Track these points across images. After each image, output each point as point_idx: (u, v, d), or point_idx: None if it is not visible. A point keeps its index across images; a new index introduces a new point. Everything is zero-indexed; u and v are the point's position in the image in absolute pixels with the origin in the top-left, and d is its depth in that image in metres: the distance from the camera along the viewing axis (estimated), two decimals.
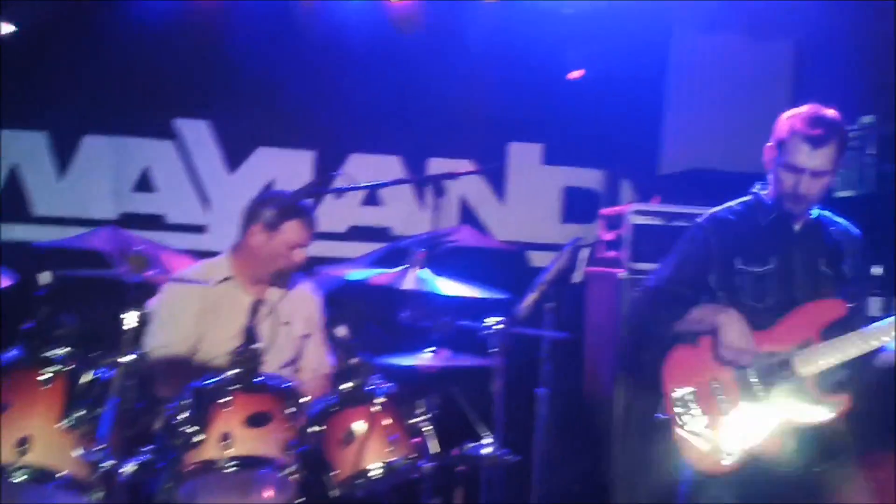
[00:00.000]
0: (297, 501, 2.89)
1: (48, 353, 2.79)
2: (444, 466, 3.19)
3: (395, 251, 3.74)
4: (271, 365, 3.42)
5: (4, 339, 2.91)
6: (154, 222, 4.90)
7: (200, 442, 2.81)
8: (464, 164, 4.69)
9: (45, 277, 2.81)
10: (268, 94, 4.90)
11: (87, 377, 2.77)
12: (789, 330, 2.93)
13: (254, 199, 3.61)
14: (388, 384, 3.10)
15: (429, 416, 3.14)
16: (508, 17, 5.13)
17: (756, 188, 3.14)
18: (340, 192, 3.52)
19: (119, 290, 2.87)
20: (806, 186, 2.95)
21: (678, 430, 2.97)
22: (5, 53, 4.54)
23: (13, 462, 2.63)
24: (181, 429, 2.82)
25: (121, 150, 4.87)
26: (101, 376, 2.79)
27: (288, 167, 4.95)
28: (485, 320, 3.31)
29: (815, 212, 3.09)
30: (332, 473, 2.98)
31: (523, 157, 5.41)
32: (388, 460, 2.98)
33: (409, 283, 3.16)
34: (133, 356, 2.76)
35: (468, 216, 5.30)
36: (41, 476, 2.66)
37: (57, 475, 2.67)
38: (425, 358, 3.27)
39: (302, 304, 3.67)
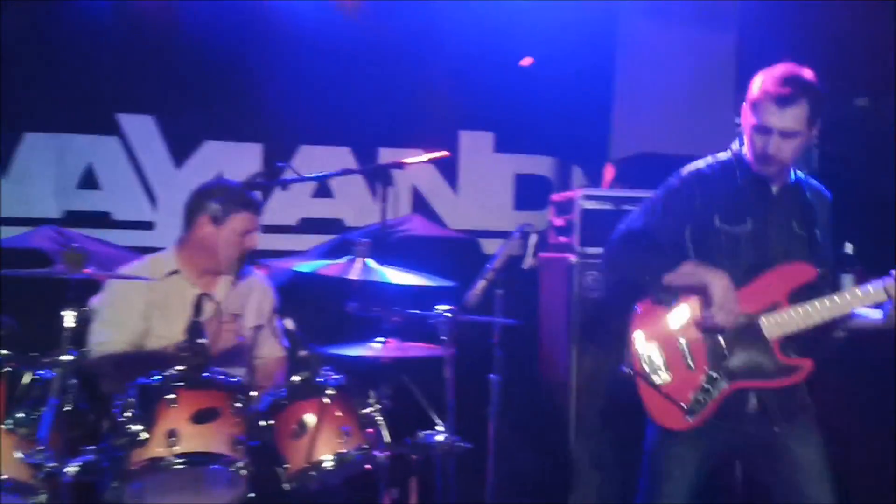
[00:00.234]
0: (248, 496, 2.86)
1: None
2: (398, 456, 3.17)
3: (346, 242, 3.72)
4: (225, 359, 3.40)
5: None
6: (99, 220, 4.81)
7: (146, 440, 2.76)
8: (415, 154, 4.66)
9: None
10: (214, 86, 4.84)
11: (27, 378, 2.72)
12: (758, 292, 2.93)
13: (197, 190, 3.56)
14: (339, 375, 3.08)
15: (380, 406, 3.13)
16: (457, 5, 5.12)
17: (735, 146, 3.07)
18: (286, 183, 3.48)
19: (60, 289, 2.81)
20: (775, 147, 2.89)
21: (642, 386, 2.98)
22: None
23: None
24: (126, 427, 2.77)
25: (63, 147, 4.77)
26: (42, 377, 2.73)
27: (236, 161, 4.87)
28: (435, 309, 3.30)
29: (793, 175, 3.05)
30: (283, 467, 2.97)
31: (474, 145, 5.41)
32: (340, 452, 2.98)
33: (355, 274, 3.14)
34: (73, 355, 2.71)
35: (421, 205, 5.29)
36: None
37: None
38: (376, 348, 3.25)
39: (253, 296, 3.63)
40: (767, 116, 2.89)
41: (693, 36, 5.44)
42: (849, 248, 3.74)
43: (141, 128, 4.88)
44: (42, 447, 2.62)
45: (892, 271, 2.88)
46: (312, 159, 4.92)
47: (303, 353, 3.00)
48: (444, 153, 3.78)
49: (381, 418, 3.10)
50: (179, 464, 2.77)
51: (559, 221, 4.63)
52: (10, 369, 2.73)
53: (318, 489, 2.97)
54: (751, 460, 3.05)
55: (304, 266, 3.32)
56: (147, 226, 4.89)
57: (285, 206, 4.94)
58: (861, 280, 3.08)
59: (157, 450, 2.76)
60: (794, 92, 2.88)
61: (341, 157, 5.05)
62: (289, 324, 3.02)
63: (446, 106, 5.19)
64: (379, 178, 4.04)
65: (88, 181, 4.83)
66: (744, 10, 5.45)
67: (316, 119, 4.90)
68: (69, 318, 2.73)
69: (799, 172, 3.10)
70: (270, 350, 3.62)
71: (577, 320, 4.29)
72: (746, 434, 2.96)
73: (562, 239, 4.57)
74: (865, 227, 4.02)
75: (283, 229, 4.96)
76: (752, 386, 2.94)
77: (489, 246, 5.22)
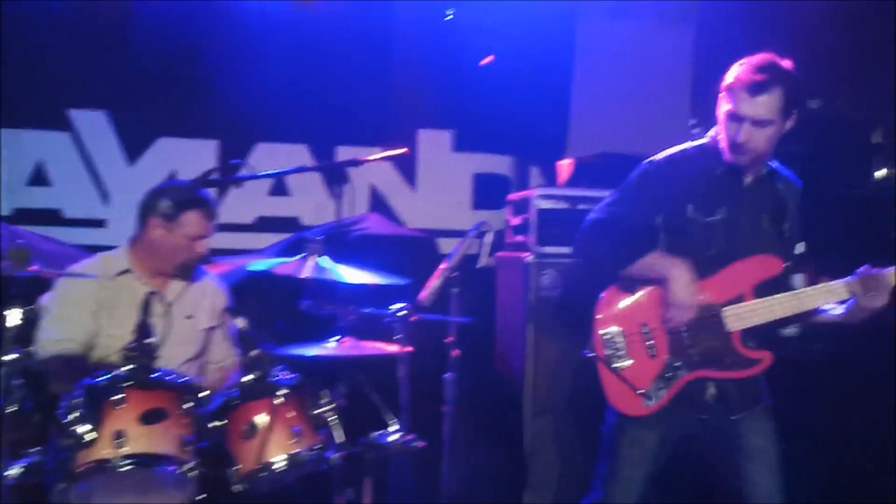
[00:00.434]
0: (198, 498, 2.82)
1: None
2: (352, 456, 3.15)
3: (301, 241, 3.68)
4: (175, 360, 3.36)
5: None
6: (50, 217, 4.73)
7: (93, 441, 2.71)
8: (373, 152, 4.63)
9: None
10: (169, 82, 4.78)
11: None
12: (723, 283, 2.95)
13: (151, 191, 3.51)
14: (292, 375, 3.05)
15: (334, 405, 3.10)
16: (417, 4, 5.11)
17: (712, 132, 3.05)
18: (241, 180, 3.44)
19: (5, 287, 2.75)
20: (746, 135, 2.87)
21: (603, 370, 2.99)
22: None
23: None
24: (72, 428, 2.72)
25: (13, 143, 4.67)
26: None
27: (190, 158, 4.82)
28: (389, 307, 3.28)
29: (766, 167, 3.03)
30: (234, 468, 2.92)
31: (433, 143, 5.40)
32: (292, 452, 2.94)
33: (308, 272, 3.11)
34: (18, 355, 2.65)
35: (379, 204, 5.27)
36: None
37: None
38: (330, 347, 3.22)
39: (206, 297, 3.59)
40: (740, 104, 2.87)
41: (651, 36, 5.48)
42: (801, 247, 3.80)
43: (93, 123, 4.81)
44: None
45: (858, 270, 2.90)
46: (269, 157, 4.88)
47: (255, 352, 2.96)
48: (402, 151, 3.76)
49: (335, 418, 3.07)
50: (127, 465, 2.71)
51: (516, 220, 4.64)
52: None
53: (270, 491, 2.94)
54: (706, 446, 3.07)
55: (258, 265, 3.28)
56: (99, 224, 4.82)
57: (241, 204, 4.90)
58: (812, 280, 3.11)
59: (104, 451, 2.71)
60: (768, 79, 2.85)
61: (298, 154, 5.02)
62: (241, 323, 2.98)
63: (405, 104, 5.18)
64: (335, 176, 4.01)
65: (39, 178, 4.75)
66: (702, 11, 5.50)
67: (273, 116, 4.84)
68: (13, 317, 2.67)
69: (773, 163, 3.09)
70: (223, 352, 3.58)
71: (533, 319, 4.30)
72: (703, 421, 3.00)
73: (518, 238, 4.58)
74: (817, 227, 4.09)
75: (239, 228, 4.92)
76: (711, 376, 2.96)
77: (447, 245, 5.22)
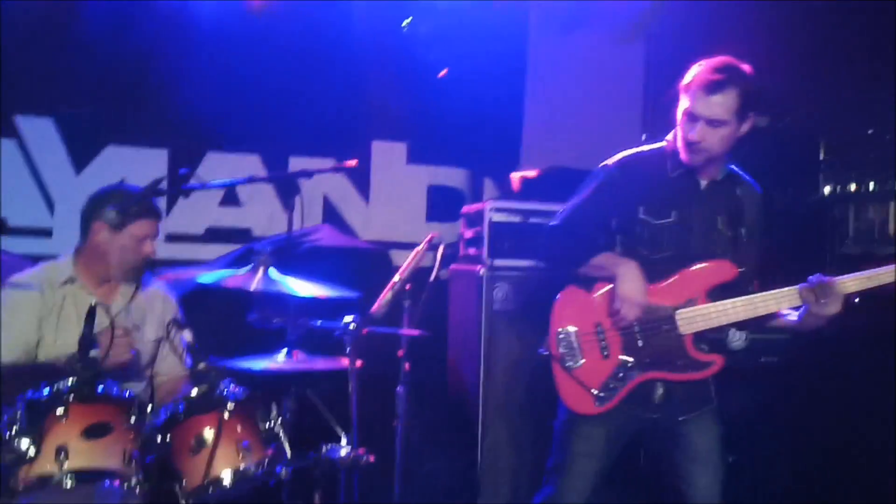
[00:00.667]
0: None
1: None
2: (301, 470, 3.12)
3: (251, 252, 3.64)
4: (121, 372, 3.29)
5: None
6: None
7: (34, 456, 2.65)
8: (326, 163, 4.61)
9: None
10: (118, 89, 4.70)
11: None
12: (677, 287, 2.97)
13: (94, 195, 3.44)
14: (240, 389, 3.01)
15: (283, 419, 3.06)
16: (370, 13, 5.10)
17: (670, 135, 3.06)
18: (190, 190, 3.39)
19: None
20: (701, 135, 2.87)
21: (556, 369, 3.02)
22: None
23: None
24: (13, 443, 2.65)
25: None
26: None
27: (139, 166, 4.72)
28: (340, 320, 3.25)
29: (723, 171, 3.05)
30: (180, 483, 2.87)
31: (387, 155, 5.39)
32: (240, 467, 2.90)
33: (255, 284, 3.07)
34: None
35: (332, 215, 5.24)
36: None
37: None
38: (279, 360, 3.19)
39: (154, 307, 3.53)
40: (695, 102, 2.88)
41: (603, 50, 5.54)
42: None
43: (40, 130, 4.71)
44: None
45: (811, 278, 2.92)
46: (220, 166, 4.83)
47: (202, 365, 2.91)
48: (353, 162, 3.74)
49: (284, 432, 3.04)
50: (70, 481, 2.65)
51: (469, 233, 4.65)
52: None
53: None
54: (652, 445, 3.12)
55: (206, 277, 3.24)
56: (44, 233, 4.71)
57: (191, 214, 4.83)
58: (761, 287, 3.15)
59: (46, 466, 2.65)
60: (724, 79, 2.86)
61: (250, 164, 4.97)
62: (187, 336, 2.93)
63: (359, 115, 5.17)
64: (287, 186, 3.98)
65: None
66: (653, 26, 5.58)
67: (224, 125, 4.78)
68: None
69: (733, 167, 3.10)
70: (171, 364, 3.52)
71: (485, 331, 4.30)
72: (651, 420, 3.04)
73: (471, 251, 4.59)
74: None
75: (188, 238, 4.86)
76: (662, 377, 3.00)
77: (400, 257, 5.19)
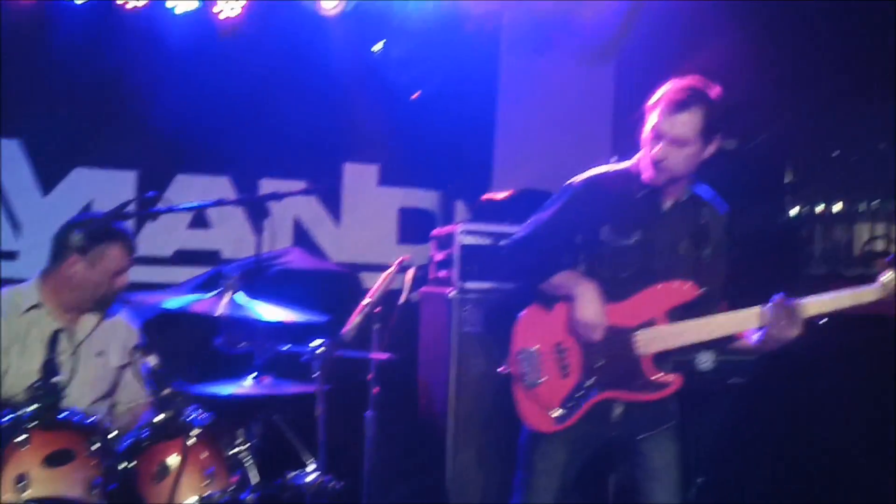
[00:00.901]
0: None
1: None
2: (268, 497, 3.08)
3: (219, 275, 3.61)
4: (84, 399, 3.25)
5: None
6: None
7: None
8: (297, 185, 4.60)
9: None
10: (86, 110, 4.68)
11: None
12: (637, 307, 2.97)
13: (66, 224, 3.40)
14: (205, 414, 2.98)
15: (249, 445, 3.04)
16: (342, 35, 5.11)
17: (637, 156, 3.05)
18: (157, 213, 3.37)
19: None
20: (664, 153, 2.87)
21: (516, 387, 3.03)
22: None
23: None
24: None
25: None
26: None
27: (107, 188, 4.70)
28: (308, 344, 3.24)
29: (688, 192, 3.05)
30: None
31: (359, 177, 5.38)
32: (204, 494, 2.87)
33: (222, 309, 3.05)
34: None
35: (303, 238, 5.22)
36: None
37: None
38: (246, 385, 3.16)
39: (118, 334, 3.48)
40: (660, 121, 2.89)
41: (573, 73, 5.59)
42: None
43: (6, 152, 4.66)
44: None
45: (772, 299, 2.91)
46: (189, 188, 4.81)
47: (166, 391, 2.88)
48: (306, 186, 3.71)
49: (250, 458, 3.01)
50: None
51: (439, 256, 4.65)
52: None
53: None
54: (612, 462, 3.16)
55: (172, 302, 3.20)
56: (10, 256, 4.65)
57: (160, 237, 4.79)
58: (730, 309, 3.15)
59: (6, 495, 2.61)
60: (689, 99, 2.87)
61: (220, 186, 4.95)
62: (152, 361, 2.90)
63: (331, 137, 5.16)
64: (257, 209, 3.96)
65: None
66: (622, 49, 5.64)
67: (194, 147, 4.77)
68: None
69: (701, 190, 3.10)
70: (134, 392, 3.47)
71: (456, 354, 4.29)
72: (610, 438, 3.06)
73: (442, 273, 4.59)
74: (731, 260, 4.19)
75: (157, 261, 4.81)
76: (620, 397, 3.00)
77: (371, 280, 5.16)
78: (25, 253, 4.63)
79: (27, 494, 2.62)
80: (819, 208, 6.28)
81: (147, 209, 3.38)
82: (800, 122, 5.61)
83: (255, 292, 3.22)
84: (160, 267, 4.83)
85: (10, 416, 2.71)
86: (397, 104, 5.25)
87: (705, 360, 3.92)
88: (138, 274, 4.56)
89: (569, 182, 3.11)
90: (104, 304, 3.38)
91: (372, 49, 5.18)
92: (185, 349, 3.65)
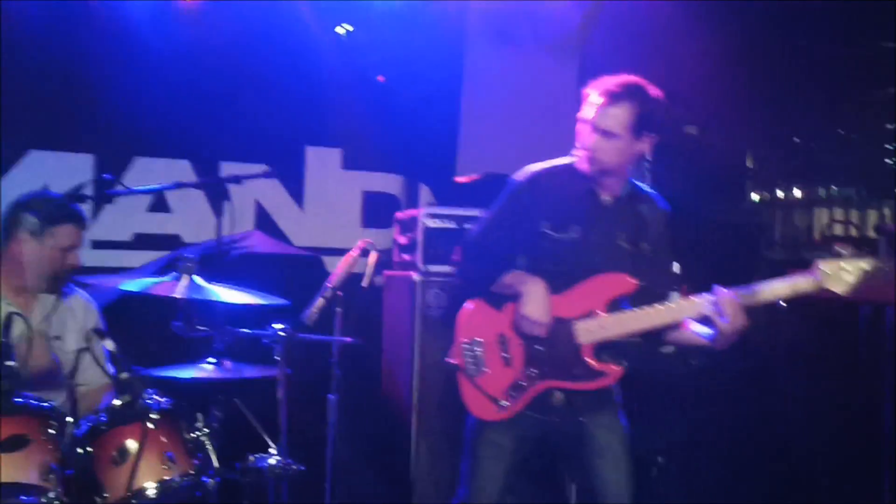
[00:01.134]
0: None
1: None
2: (229, 481, 3.06)
3: (179, 259, 3.57)
4: (40, 383, 3.19)
5: None
6: None
7: None
8: (258, 169, 4.55)
9: None
10: (41, 91, 4.56)
11: None
12: (576, 299, 3.02)
13: (15, 202, 3.34)
14: (164, 399, 2.94)
15: (209, 429, 3.01)
16: (304, 17, 5.06)
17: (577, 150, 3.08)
18: (114, 196, 3.31)
19: None
20: (594, 144, 2.93)
21: (461, 378, 3.09)
22: None
23: None
24: None
25: None
26: None
27: (64, 172, 4.59)
28: (269, 328, 3.21)
29: (626, 187, 3.09)
30: (102, 496, 2.80)
31: (322, 161, 5.34)
32: (164, 479, 2.84)
33: (180, 292, 3.01)
34: None
35: (266, 222, 5.17)
36: None
37: None
38: (206, 369, 3.13)
39: (75, 317, 3.43)
40: (590, 112, 2.95)
41: (537, 62, 5.59)
42: (676, 267, 3.92)
43: None
44: None
45: (714, 288, 2.94)
46: (149, 172, 4.73)
47: (124, 375, 2.84)
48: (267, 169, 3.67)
49: (210, 442, 2.98)
50: None
51: (403, 239, 4.64)
52: None
53: None
54: (559, 446, 3.18)
55: (130, 285, 3.16)
56: None
57: (118, 220, 4.71)
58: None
59: None
60: (620, 93, 2.93)
61: (180, 170, 4.87)
62: (109, 345, 2.85)
63: (293, 121, 5.11)
64: (217, 192, 3.92)
65: None
66: (586, 40, 5.65)
67: (153, 130, 4.68)
68: None
69: (640, 184, 3.16)
70: (93, 374, 3.42)
71: (420, 338, 4.29)
72: (553, 423, 3.09)
73: (406, 257, 4.58)
74: (692, 246, 4.24)
75: (115, 245, 4.73)
76: (561, 386, 3.05)
77: (335, 264, 5.13)
78: None
79: None
80: (779, 194, 6.38)
81: (103, 191, 3.32)
82: (760, 110, 5.68)
83: (216, 276, 3.19)
84: (119, 251, 4.75)
85: None
86: (361, 88, 5.22)
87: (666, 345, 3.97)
88: (98, 258, 4.54)
89: (512, 177, 3.16)
90: (57, 284, 3.33)
91: (336, 31, 5.14)
92: (143, 333, 3.61)
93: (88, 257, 3.43)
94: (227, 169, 4.93)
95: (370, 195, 5.44)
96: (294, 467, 3.10)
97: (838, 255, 2.85)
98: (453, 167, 5.52)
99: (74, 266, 3.34)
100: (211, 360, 3.16)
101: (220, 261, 3.49)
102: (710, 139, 5.03)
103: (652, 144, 3.00)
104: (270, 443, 3.14)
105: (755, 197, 6.01)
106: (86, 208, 3.75)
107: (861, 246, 3.00)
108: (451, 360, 3.11)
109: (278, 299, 3.22)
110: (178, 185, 3.61)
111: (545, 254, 3.04)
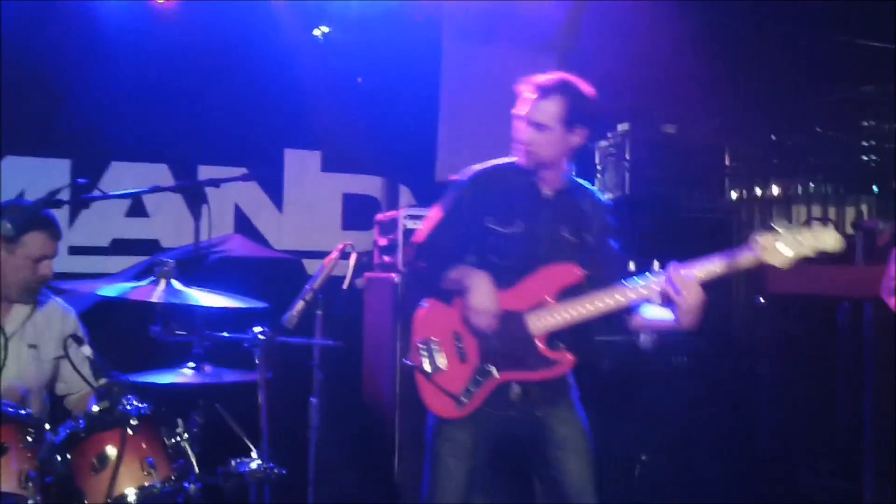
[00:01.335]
0: None
1: None
2: (210, 486, 3.03)
3: (157, 264, 3.54)
4: (18, 392, 3.16)
5: None
6: None
7: None
8: (236, 172, 4.53)
9: None
10: (16, 96, 4.53)
11: None
12: (526, 291, 3.05)
13: None
14: (144, 404, 2.91)
15: (190, 434, 2.99)
16: (283, 20, 5.04)
17: None
18: (89, 200, 3.28)
19: None
20: (526, 136, 3.00)
21: (419, 377, 3.09)
22: None
23: None
24: None
25: None
26: None
27: (40, 177, 4.56)
28: (249, 331, 3.18)
29: (565, 181, 3.15)
30: (82, 503, 2.77)
31: (301, 164, 5.33)
32: (144, 485, 2.82)
33: (157, 297, 2.99)
34: None
35: (245, 225, 5.15)
36: None
37: None
38: (186, 374, 3.10)
39: (52, 324, 3.39)
40: (523, 104, 3.03)
41: (515, 62, 5.58)
42: (655, 265, 3.95)
43: None
44: None
45: (667, 265, 2.91)
46: (126, 176, 4.71)
47: (103, 381, 2.81)
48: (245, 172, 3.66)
49: (191, 448, 2.96)
50: None
51: (383, 241, 4.63)
52: None
53: None
54: (520, 443, 3.19)
55: (107, 290, 3.13)
56: None
57: (96, 226, 4.69)
58: None
59: None
60: (551, 87, 3.00)
61: (158, 174, 4.86)
62: (87, 351, 2.83)
63: (272, 123, 5.10)
64: (196, 196, 3.89)
65: None
66: (564, 40, 5.66)
67: (130, 134, 4.67)
68: None
69: (580, 180, 3.21)
70: (74, 382, 3.39)
71: (401, 339, 4.28)
72: (512, 418, 3.10)
73: (386, 258, 4.57)
74: (672, 243, 4.27)
75: (93, 251, 4.71)
76: (518, 377, 3.07)
77: (315, 267, 5.11)
78: None
79: None
80: (757, 191, 6.42)
81: (79, 197, 3.28)
82: (738, 108, 5.72)
83: (195, 280, 3.17)
84: (97, 256, 4.73)
85: None
86: (339, 90, 5.21)
87: (647, 340, 3.98)
88: (75, 263, 4.50)
89: (455, 177, 3.21)
90: (30, 294, 3.29)
91: (313, 33, 5.12)
92: (122, 338, 3.58)
93: (66, 263, 3.40)
94: (206, 172, 4.91)
95: (350, 197, 5.43)
96: (276, 471, 3.07)
97: (774, 230, 2.87)
98: (433, 168, 5.52)
99: (46, 277, 3.29)
100: (191, 364, 3.12)
101: (198, 264, 3.46)
102: (688, 137, 5.05)
103: (584, 137, 3.07)
104: (252, 447, 3.12)
105: (734, 194, 6.05)
106: (61, 214, 3.70)
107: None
108: (409, 361, 3.13)
109: (258, 302, 3.20)
110: (156, 189, 3.57)
111: (492, 248, 3.09)
